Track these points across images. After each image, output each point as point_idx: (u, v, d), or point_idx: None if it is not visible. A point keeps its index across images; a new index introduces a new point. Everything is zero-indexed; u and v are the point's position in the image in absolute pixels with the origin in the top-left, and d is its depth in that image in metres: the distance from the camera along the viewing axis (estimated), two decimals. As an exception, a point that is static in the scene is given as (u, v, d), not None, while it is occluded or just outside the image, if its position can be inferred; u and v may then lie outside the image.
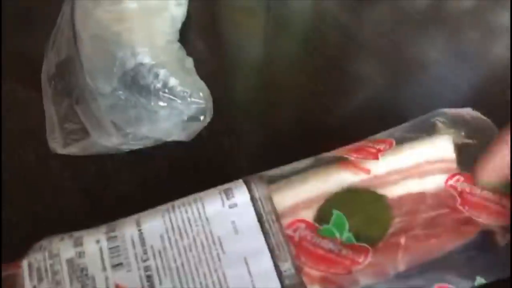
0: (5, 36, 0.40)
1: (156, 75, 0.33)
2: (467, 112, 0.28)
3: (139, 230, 0.24)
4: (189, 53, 0.39)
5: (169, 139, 0.33)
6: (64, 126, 0.33)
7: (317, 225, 0.24)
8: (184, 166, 0.32)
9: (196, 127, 0.33)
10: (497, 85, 0.39)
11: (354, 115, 0.37)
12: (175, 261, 0.23)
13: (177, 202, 0.25)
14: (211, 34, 0.43)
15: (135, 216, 0.24)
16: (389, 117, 0.31)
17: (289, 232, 0.24)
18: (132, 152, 0.32)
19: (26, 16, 0.42)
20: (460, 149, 0.27)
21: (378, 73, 0.40)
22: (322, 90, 0.38)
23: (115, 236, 0.23)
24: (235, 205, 0.24)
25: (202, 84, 0.35)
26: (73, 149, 0.32)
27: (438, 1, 0.47)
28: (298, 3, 0.47)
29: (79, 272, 0.22)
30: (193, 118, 0.33)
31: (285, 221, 0.24)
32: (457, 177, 0.26)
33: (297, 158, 0.28)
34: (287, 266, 0.23)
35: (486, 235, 0.25)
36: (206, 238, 0.24)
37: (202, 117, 0.33)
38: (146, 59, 0.33)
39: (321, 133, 0.34)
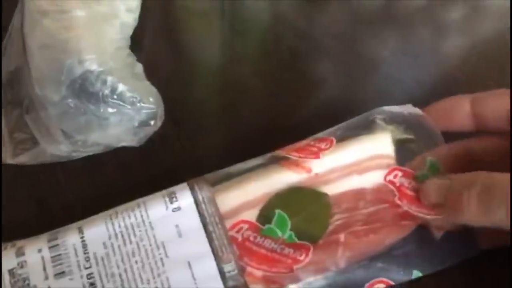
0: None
1: (104, 82, 0.33)
2: (407, 108, 0.29)
3: (82, 238, 0.24)
4: (143, 58, 0.39)
5: (120, 144, 0.33)
6: (14, 136, 0.33)
7: (260, 225, 0.25)
8: (135, 171, 0.32)
9: (147, 132, 0.33)
10: (447, 82, 0.40)
11: (309, 115, 0.37)
12: (118, 267, 0.23)
13: (120, 208, 0.25)
14: (166, 38, 0.44)
15: (78, 223, 0.25)
16: (343, 116, 0.32)
17: (233, 233, 0.25)
18: (82, 159, 0.32)
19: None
20: (399, 144, 0.28)
21: (332, 73, 0.40)
22: (276, 91, 0.39)
23: (57, 245, 0.24)
24: (179, 208, 0.25)
25: (152, 89, 0.35)
26: (23, 159, 0.32)
27: (388, 0, 0.48)
28: (253, 5, 0.47)
29: (20, 283, 0.22)
30: (143, 123, 0.34)
31: (229, 223, 0.25)
32: (395, 172, 0.27)
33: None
34: (230, 268, 0.24)
35: (423, 229, 0.26)
36: (150, 243, 0.24)
37: (152, 122, 0.34)
38: (94, 66, 0.33)
39: (276, 134, 0.35)
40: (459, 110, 0.28)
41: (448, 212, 0.24)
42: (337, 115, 0.35)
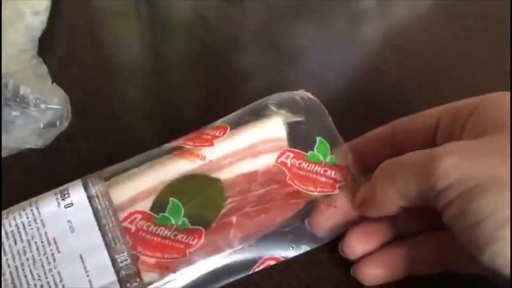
0: None
1: (6, 85, 0.33)
2: (298, 93, 0.30)
3: (-29, 240, 0.24)
4: (53, 59, 0.39)
5: (25, 147, 0.33)
6: None
7: (154, 214, 0.26)
8: (40, 173, 0.32)
9: (53, 133, 0.33)
10: (365, 61, 0.41)
11: (224, 107, 0.38)
12: (8, 266, 0.23)
13: (13, 208, 0.25)
14: (79, 38, 0.44)
15: (-32, 227, 0.25)
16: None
17: (126, 224, 0.25)
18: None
19: None
20: (290, 127, 0.29)
21: (251, 68, 0.41)
22: (189, 87, 0.39)
23: None
24: (71, 204, 0.25)
25: (58, 90, 0.35)
26: None
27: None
28: (168, 5, 0.47)
29: None
30: (50, 124, 0.34)
31: (122, 215, 0.25)
32: (287, 153, 0.28)
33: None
34: (123, 258, 0.24)
35: (311, 206, 0.27)
36: (41, 240, 0.24)
37: (58, 122, 0.34)
38: (-6, 70, 0.33)
39: (183, 128, 0.36)
40: (383, 148, 0.28)
41: (370, 206, 0.25)
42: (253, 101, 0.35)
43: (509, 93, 0.24)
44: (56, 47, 0.42)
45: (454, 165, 0.21)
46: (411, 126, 0.27)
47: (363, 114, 0.30)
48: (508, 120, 0.22)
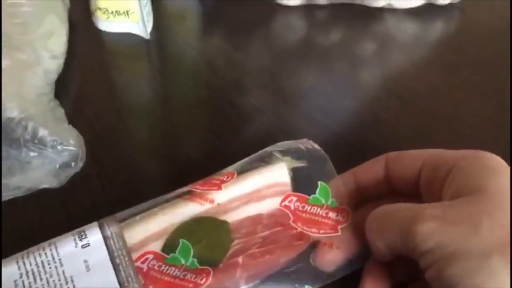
0: None
1: (25, 128, 0.35)
2: (302, 142, 0.32)
3: (-6, 278, 0.25)
4: (69, 101, 0.41)
5: (41, 187, 0.34)
6: None
7: (165, 254, 0.27)
8: (55, 212, 0.34)
9: (68, 173, 0.35)
10: (365, 107, 0.43)
11: (227, 149, 0.39)
12: (28, 303, 0.25)
13: (32, 248, 0.27)
14: (93, 80, 0.46)
15: (-9, 265, 0.26)
16: (272, 142, 0.34)
17: (139, 264, 0.27)
18: (3, 202, 0.34)
19: None
20: (294, 173, 0.31)
21: (253, 109, 0.43)
22: (197, 129, 0.41)
23: (-31, 286, 0.25)
24: (88, 244, 0.27)
25: (74, 131, 0.37)
26: None
27: (306, 37, 0.52)
28: (176, 48, 0.50)
29: None
30: (65, 165, 0.35)
31: (135, 255, 0.27)
32: (290, 197, 0.30)
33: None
34: (134, 296, 0.26)
35: (315, 247, 0.28)
36: (59, 279, 0.26)
37: (73, 163, 0.36)
38: (15, 113, 0.35)
39: (193, 171, 0.37)
40: (375, 175, 0.30)
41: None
42: (267, 143, 0.37)
43: (487, 153, 0.26)
44: (71, 89, 0.44)
45: (432, 231, 0.23)
46: (400, 165, 0.29)
47: (363, 160, 0.32)
48: (483, 183, 0.24)
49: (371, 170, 0.30)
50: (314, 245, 0.28)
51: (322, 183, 0.30)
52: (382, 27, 0.53)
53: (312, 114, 0.42)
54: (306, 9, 0.54)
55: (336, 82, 0.47)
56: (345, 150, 0.37)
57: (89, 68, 0.47)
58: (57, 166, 0.35)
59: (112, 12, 0.48)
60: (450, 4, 0.54)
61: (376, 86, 0.46)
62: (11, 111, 0.35)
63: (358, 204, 0.30)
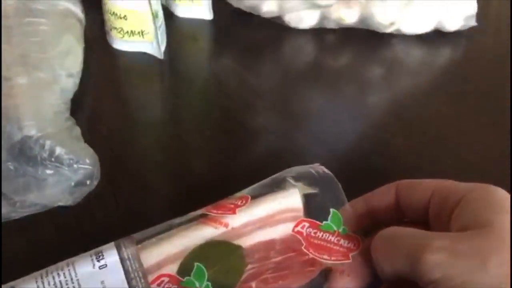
0: None
1: (43, 146, 0.36)
2: (314, 167, 0.33)
3: (13, 297, 0.26)
4: (83, 119, 0.42)
5: (56, 204, 0.35)
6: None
7: (180, 277, 0.28)
8: (71, 230, 0.34)
9: (83, 192, 0.36)
10: (373, 132, 0.44)
11: (238, 170, 0.40)
12: (46, 322, 0.25)
13: (50, 268, 0.27)
14: (108, 98, 0.47)
15: (10, 283, 0.27)
16: (282, 164, 0.35)
17: (154, 286, 0.27)
18: (19, 219, 0.34)
19: None
20: (306, 199, 0.31)
21: (262, 129, 0.44)
22: (210, 148, 0.42)
23: (-11, 305, 0.25)
24: (105, 265, 0.27)
25: (89, 150, 0.38)
26: (-37, 220, 0.34)
27: (316, 59, 0.53)
28: (189, 69, 0.51)
29: None
30: (80, 183, 0.36)
31: (151, 277, 0.27)
32: (303, 223, 0.30)
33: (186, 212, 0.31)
34: (151, 318, 0.26)
35: (327, 273, 0.29)
36: (77, 299, 0.26)
37: (88, 182, 0.36)
38: (33, 132, 0.36)
39: (206, 190, 0.37)
40: (386, 202, 0.31)
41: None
42: (277, 163, 0.37)
43: (496, 188, 0.27)
44: (85, 107, 0.45)
45: (441, 262, 0.24)
46: (411, 193, 0.30)
47: (371, 185, 0.33)
48: (490, 218, 0.25)
49: (382, 197, 0.31)
50: (326, 271, 0.29)
51: (334, 210, 0.31)
52: (390, 52, 0.54)
53: (321, 137, 0.43)
54: (316, 33, 0.55)
55: (345, 105, 0.48)
56: (353, 175, 0.38)
57: (103, 87, 0.48)
58: (72, 184, 0.36)
59: (127, 32, 0.49)
60: (457, 31, 0.55)
61: (384, 111, 0.47)
62: (30, 130, 0.36)
63: (368, 230, 0.31)
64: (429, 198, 0.29)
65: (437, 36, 0.55)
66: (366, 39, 0.55)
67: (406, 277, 0.25)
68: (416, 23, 0.54)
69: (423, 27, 0.55)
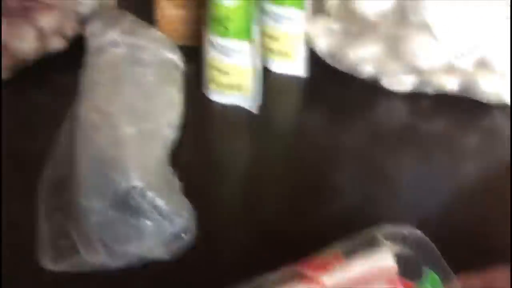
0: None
1: (145, 197, 0.36)
2: (405, 228, 0.32)
3: None
4: (177, 170, 0.43)
5: (153, 256, 0.35)
6: (56, 243, 0.36)
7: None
8: (166, 284, 0.35)
9: (179, 245, 0.36)
10: (463, 202, 0.42)
11: (321, 223, 0.40)
12: None
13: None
14: (201, 152, 0.48)
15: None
16: (359, 224, 0.33)
17: None
18: (116, 270, 0.35)
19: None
20: (399, 260, 0.30)
21: (348, 187, 0.44)
22: (286, 201, 0.43)
23: None
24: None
25: (186, 202, 0.38)
26: (63, 266, 0.35)
27: (411, 122, 0.52)
28: (279, 122, 0.52)
29: None
30: (176, 236, 0.36)
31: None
32: (397, 284, 0.29)
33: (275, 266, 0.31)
34: None
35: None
36: None
37: (184, 235, 0.37)
38: (138, 183, 0.36)
39: (296, 238, 0.38)
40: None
41: None
42: (355, 223, 0.37)
43: None
44: (181, 159, 0.45)
45: None
46: None
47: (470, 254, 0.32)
48: None
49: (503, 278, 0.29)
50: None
51: (430, 271, 0.29)
52: (489, 122, 0.52)
53: (408, 201, 0.42)
54: (412, 96, 0.54)
55: (435, 172, 0.46)
56: (448, 242, 0.36)
57: (198, 138, 0.49)
58: (169, 236, 0.36)
59: (225, 85, 0.50)
60: None
61: (476, 182, 0.45)
62: (136, 180, 0.37)
63: None
64: None
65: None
66: (464, 107, 0.52)
67: None
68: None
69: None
